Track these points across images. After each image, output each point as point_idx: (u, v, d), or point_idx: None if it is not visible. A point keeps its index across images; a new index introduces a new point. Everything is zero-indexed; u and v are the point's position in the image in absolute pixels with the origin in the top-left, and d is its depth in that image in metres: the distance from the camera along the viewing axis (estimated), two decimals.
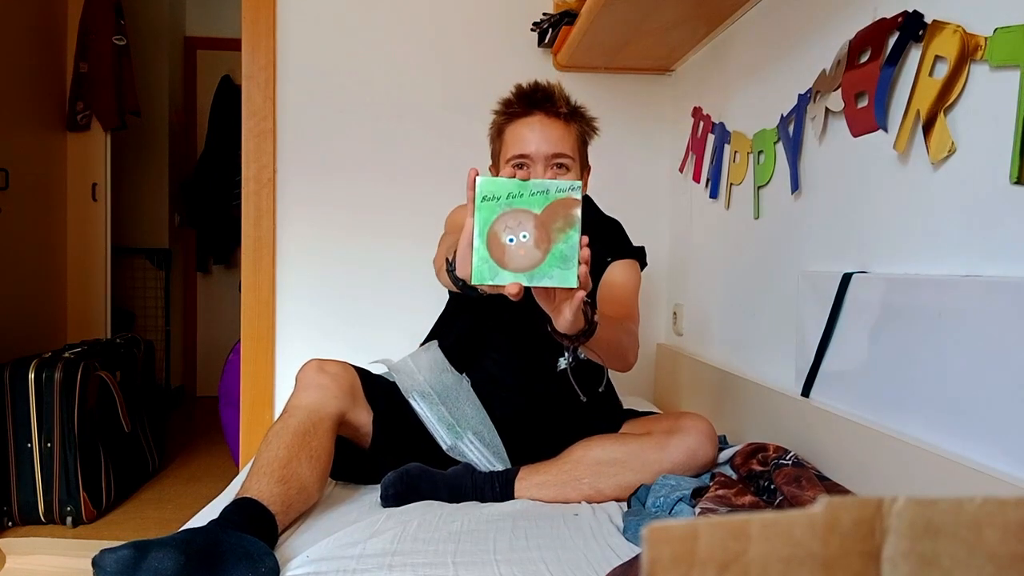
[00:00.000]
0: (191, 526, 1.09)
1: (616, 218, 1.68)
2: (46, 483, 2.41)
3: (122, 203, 3.66)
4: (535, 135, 1.39)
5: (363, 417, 1.42)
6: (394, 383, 1.50)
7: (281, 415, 1.33)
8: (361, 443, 1.45)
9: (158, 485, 2.88)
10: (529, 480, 1.37)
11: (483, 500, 1.35)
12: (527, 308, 1.38)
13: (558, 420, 1.53)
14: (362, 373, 1.47)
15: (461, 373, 1.52)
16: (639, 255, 1.63)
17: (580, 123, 1.45)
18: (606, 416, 1.55)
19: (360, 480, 1.46)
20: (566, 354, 1.43)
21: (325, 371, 1.38)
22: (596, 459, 1.36)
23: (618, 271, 1.56)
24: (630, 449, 1.37)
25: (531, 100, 1.41)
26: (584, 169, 1.49)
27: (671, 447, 1.35)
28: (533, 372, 1.54)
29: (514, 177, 1.00)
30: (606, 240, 1.59)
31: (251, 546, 1.02)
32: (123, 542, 0.97)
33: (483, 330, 1.57)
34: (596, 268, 1.56)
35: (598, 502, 1.35)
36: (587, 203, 1.64)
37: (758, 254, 1.69)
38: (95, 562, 0.94)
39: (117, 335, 3.06)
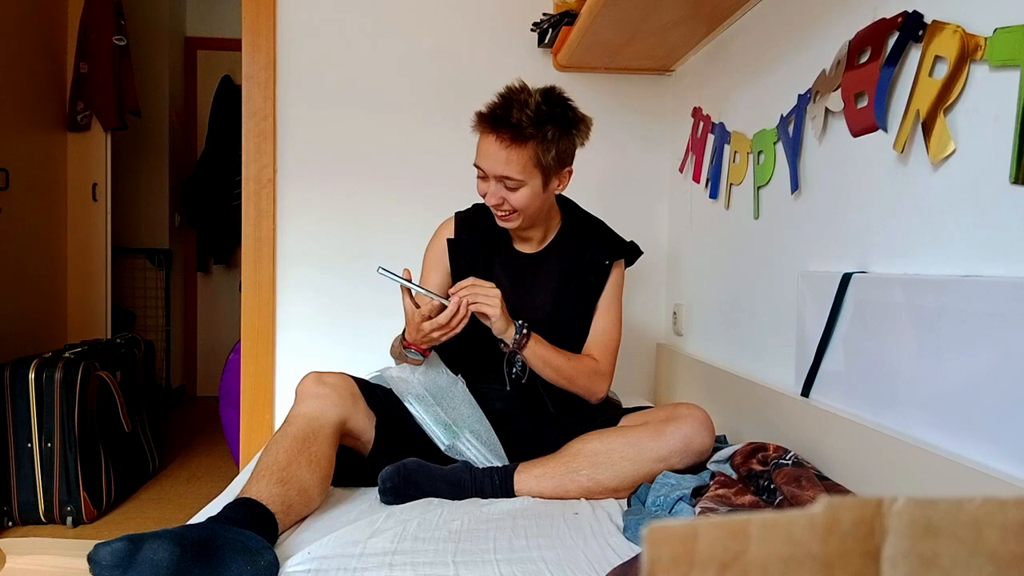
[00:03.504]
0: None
1: (606, 218, 1.72)
2: (46, 483, 2.41)
3: (122, 203, 3.66)
4: (488, 155, 1.47)
5: (364, 423, 1.43)
6: (391, 389, 1.52)
7: (281, 425, 1.34)
8: (364, 451, 1.46)
9: (158, 485, 2.88)
10: (528, 473, 1.37)
11: (483, 495, 1.35)
12: (525, 319, 1.48)
13: (553, 417, 1.54)
14: (360, 382, 1.48)
15: (456, 374, 1.53)
16: (630, 252, 1.68)
17: (537, 142, 1.44)
18: (603, 412, 1.57)
19: (363, 484, 1.45)
20: (515, 367, 1.53)
21: (323, 382, 1.39)
22: (594, 451, 1.38)
23: (602, 314, 1.63)
24: (627, 439, 1.38)
25: (490, 119, 1.45)
26: (552, 174, 1.49)
27: (667, 435, 1.37)
28: (527, 375, 1.56)
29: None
30: (597, 241, 1.64)
31: (249, 540, 1.01)
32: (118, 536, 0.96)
33: (476, 332, 1.59)
34: (596, 272, 1.60)
35: (597, 494, 1.36)
36: (568, 206, 1.67)
37: (758, 254, 1.69)
38: (90, 557, 0.93)
39: (117, 335, 3.06)
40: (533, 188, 1.48)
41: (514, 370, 1.52)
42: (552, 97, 1.47)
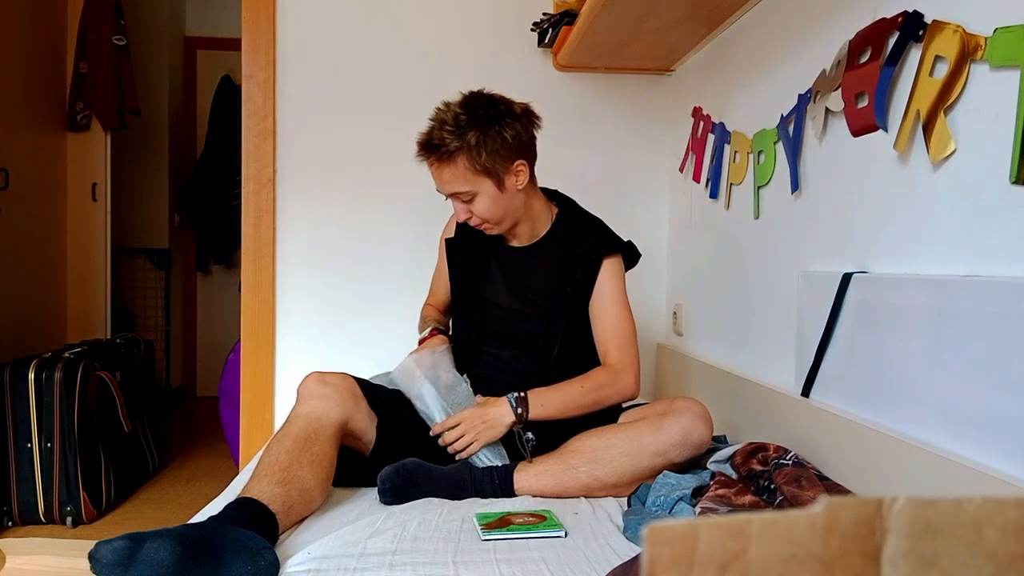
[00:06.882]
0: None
1: (607, 218, 1.70)
2: (46, 483, 2.41)
3: (122, 203, 3.66)
4: (434, 179, 1.52)
5: (366, 423, 1.43)
6: (393, 390, 1.52)
7: (283, 424, 1.34)
8: (364, 452, 1.46)
9: (158, 485, 2.88)
10: (528, 471, 1.38)
11: (483, 494, 1.36)
12: (520, 313, 1.50)
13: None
14: (362, 383, 1.48)
15: (461, 374, 1.54)
16: (624, 249, 1.64)
17: (463, 152, 1.44)
18: (602, 411, 1.57)
19: (363, 484, 1.45)
20: (528, 442, 1.46)
21: (326, 382, 1.39)
22: (592, 447, 1.38)
23: (605, 311, 1.59)
24: (625, 435, 1.39)
25: (421, 148, 1.49)
26: (501, 173, 1.48)
27: (665, 428, 1.37)
28: (527, 372, 1.56)
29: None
30: (589, 236, 1.61)
31: (249, 540, 1.01)
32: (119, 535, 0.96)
33: (481, 332, 1.60)
34: (585, 266, 1.59)
35: (597, 491, 1.37)
36: (566, 203, 1.67)
37: (758, 254, 1.69)
38: (91, 555, 0.94)
39: (117, 335, 3.06)
40: (488, 193, 1.49)
41: (528, 440, 1.45)
42: (471, 102, 1.48)
